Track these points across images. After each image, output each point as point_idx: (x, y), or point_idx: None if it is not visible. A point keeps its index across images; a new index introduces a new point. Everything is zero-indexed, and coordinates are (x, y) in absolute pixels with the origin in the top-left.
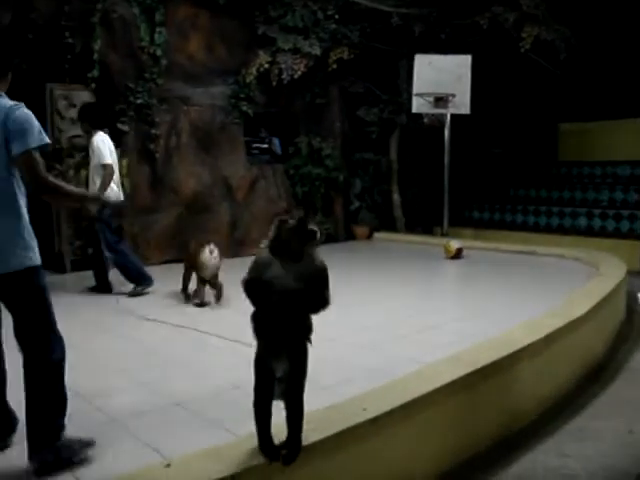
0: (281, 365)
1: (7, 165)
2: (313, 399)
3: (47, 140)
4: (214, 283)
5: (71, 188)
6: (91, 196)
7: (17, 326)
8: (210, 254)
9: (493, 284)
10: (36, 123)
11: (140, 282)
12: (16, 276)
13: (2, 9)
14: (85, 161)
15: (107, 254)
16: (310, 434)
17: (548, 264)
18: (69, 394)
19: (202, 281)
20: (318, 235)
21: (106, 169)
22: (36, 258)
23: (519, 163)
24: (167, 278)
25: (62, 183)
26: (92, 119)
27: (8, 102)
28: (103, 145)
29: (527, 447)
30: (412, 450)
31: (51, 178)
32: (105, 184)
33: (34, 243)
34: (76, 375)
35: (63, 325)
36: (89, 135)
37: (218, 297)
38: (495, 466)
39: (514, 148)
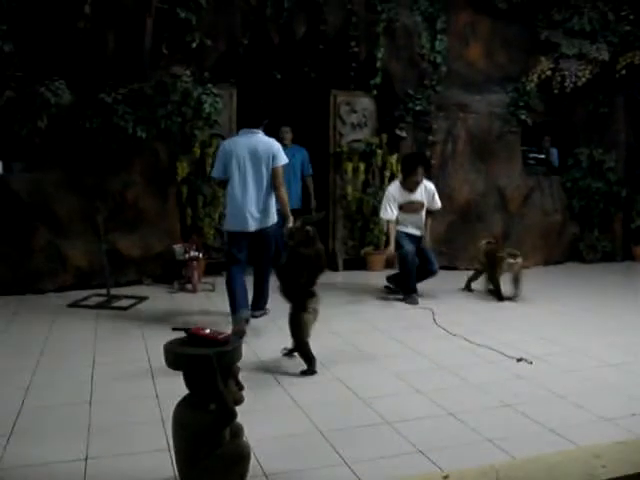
0: None
1: (270, 172)
2: (594, 429)
3: (286, 160)
4: None
5: (285, 203)
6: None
7: (265, 254)
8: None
9: None
10: (282, 151)
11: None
12: (273, 225)
13: (298, 23)
14: (362, 166)
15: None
16: (597, 470)
17: None
18: (347, 392)
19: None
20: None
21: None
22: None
23: None
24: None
25: (284, 195)
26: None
27: (267, 137)
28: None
29: None
30: None
31: (282, 187)
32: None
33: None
34: (351, 371)
35: (337, 323)
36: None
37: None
38: None
39: None
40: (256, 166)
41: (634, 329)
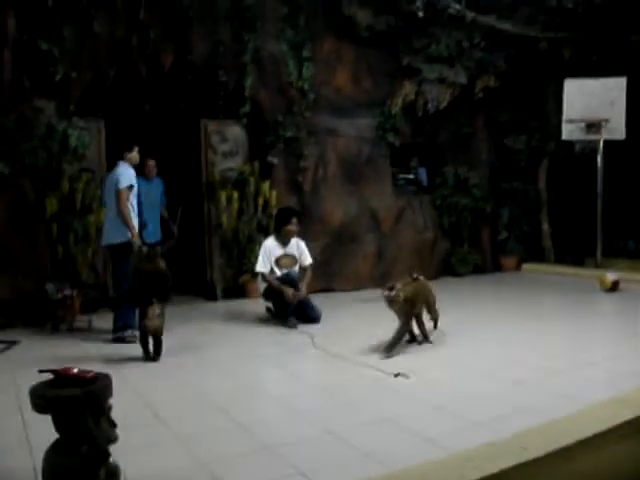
0: None
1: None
2: (468, 435)
3: (125, 183)
4: None
5: (126, 220)
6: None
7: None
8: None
9: None
10: (126, 176)
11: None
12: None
13: (165, 53)
14: (235, 194)
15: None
16: (468, 472)
17: None
18: (226, 419)
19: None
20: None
21: None
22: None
23: None
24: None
25: (128, 214)
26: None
27: (122, 166)
28: None
29: None
30: None
31: (124, 207)
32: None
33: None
34: (232, 398)
35: (218, 352)
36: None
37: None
38: None
39: None
40: (109, 191)
41: (505, 338)
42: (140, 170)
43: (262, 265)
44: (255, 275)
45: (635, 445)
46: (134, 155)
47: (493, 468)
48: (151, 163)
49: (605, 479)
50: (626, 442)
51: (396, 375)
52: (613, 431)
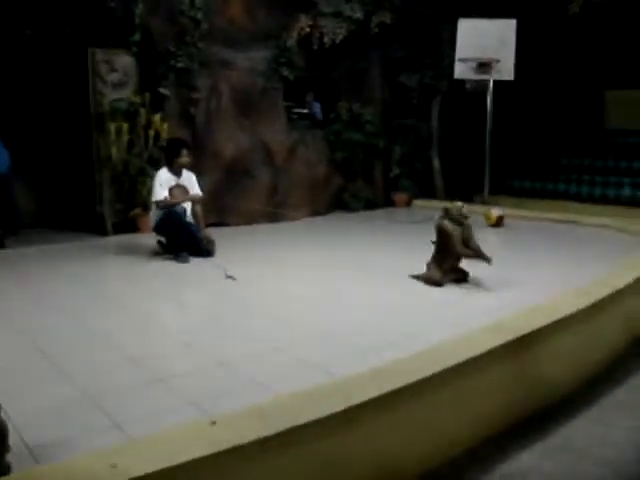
0: None
1: None
2: (354, 361)
3: None
4: None
5: None
6: None
7: None
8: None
9: (535, 253)
10: None
11: None
12: None
13: None
14: (125, 126)
15: None
16: (355, 395)
17: (591, 234)
18: (116, 354)
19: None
20: None
21: None
22: None
23: (563, 131)
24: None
25: None
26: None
27: None
28: None
29: (569, 416)
30: (450, 417)
31: None
32: None
33: None
34: (122, 332)
35: (108, 286)
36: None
37: None
38: (537, 435)
39: (558, 115)
40: None
41: (386, 271)
42: None
43: (159, 194)
44: (146, 209)
45: (507, 367)
46: None
47: (376, 392)
48: None
49: (480, 399)
50: (499, 365)
51: (228, 277)
52: (488, 355)
